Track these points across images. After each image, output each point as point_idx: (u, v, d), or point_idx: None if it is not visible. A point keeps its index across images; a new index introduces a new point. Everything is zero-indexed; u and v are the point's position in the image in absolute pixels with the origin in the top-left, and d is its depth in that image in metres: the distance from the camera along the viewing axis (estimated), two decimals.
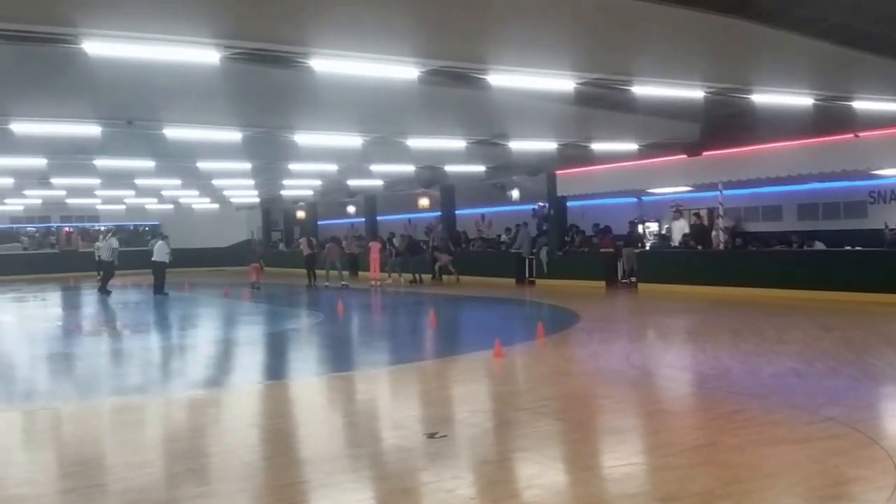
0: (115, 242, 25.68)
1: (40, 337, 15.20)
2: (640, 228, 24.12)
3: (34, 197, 31.45)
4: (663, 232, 23.20)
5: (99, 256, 26.14)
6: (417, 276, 26.61)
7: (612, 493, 5.10)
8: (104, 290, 23.12)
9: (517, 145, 18.32)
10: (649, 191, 23.34)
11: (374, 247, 26.11)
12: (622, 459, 5.78)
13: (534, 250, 24.38)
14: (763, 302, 16.55)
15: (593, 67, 10.45)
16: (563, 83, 10.65)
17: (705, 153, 18.55)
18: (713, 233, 20.71)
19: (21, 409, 8.32)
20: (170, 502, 5.16)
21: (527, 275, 24.44)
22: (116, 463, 6.15)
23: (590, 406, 7.74)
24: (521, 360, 10.62)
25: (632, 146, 18.45)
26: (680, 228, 21.33)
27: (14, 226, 41.23)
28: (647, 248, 22.65)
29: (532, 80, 10.49)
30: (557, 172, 23.12)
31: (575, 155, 19.58)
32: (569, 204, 24.48)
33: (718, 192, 19.75)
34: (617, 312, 17.52)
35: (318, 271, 26.63)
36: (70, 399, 8.89)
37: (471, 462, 5.89)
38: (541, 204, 26.31)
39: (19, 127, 13.38)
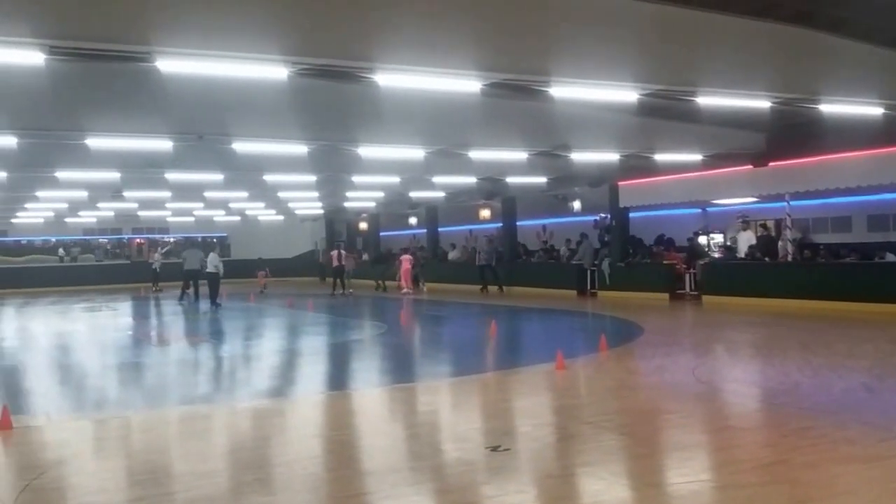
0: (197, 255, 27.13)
1: (111, 346, 15.74)
2: (704, 239, 23.64)
3: (107, 209, 32.56)
4: (728, 243, 22.72)
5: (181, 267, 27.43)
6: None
7: None
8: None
9: (579, 156, 18.22)
10: (714, 201, 22.91)
11: (406, 259, 28.59)
12: (689, 476, 5.68)
13: (596, 262, 24.14)
14: (832, 315, 16.06)
15: (658, 79, 10.35)
16: (626, 94, 10.57)
17: (772, 164, 18.14)
18: (780, 244, 20.19)
19: (93, 418, 8.57)
20: None
21: (588, 286, 24.22)
22: (185, 472, 6.31)
23: (655, 421, 7.61)
24: (584, 373, 10.52)
25: (696, 157, 18.17)
26: (746, 240, 20.86)
27: (87, 237, 42.78)
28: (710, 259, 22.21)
29: (595, 91, 10.44)
30: (620, 183, 22.89)
31: (638, 166, 19.38)
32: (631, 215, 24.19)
33: (785, 203, 19.28)
34: (682, 325, 17.20)
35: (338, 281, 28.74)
36: (139, 408, 9.14)
37: (534, 476, 5.86)
38: (602, 215, 26.07)
39: (94, 142, 13.88)
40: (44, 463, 6.61)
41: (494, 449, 6.42)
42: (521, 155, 17.65)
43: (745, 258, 20.44)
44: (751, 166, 18.39)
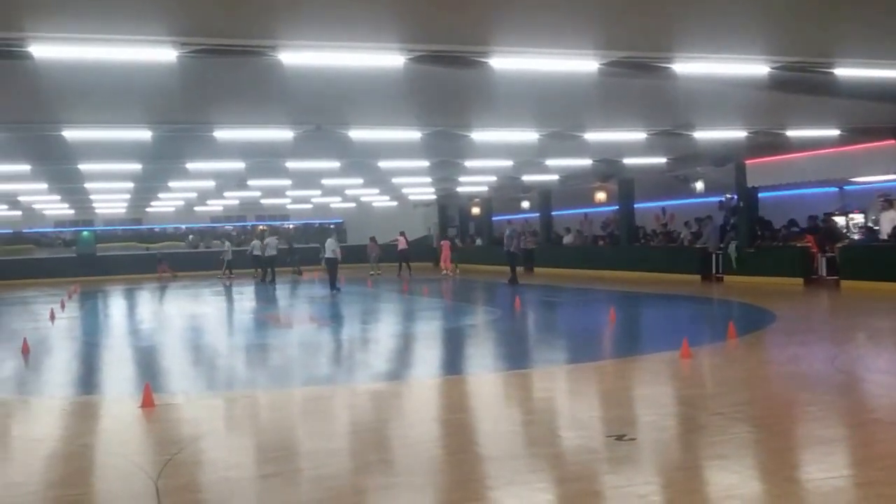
0: (274, 241, 29.65)
1: (237, 328, 16.49)
2: (842, 220, 22.26)
3: (232, 198, 34.01)
4: (870, 224, 21.29)
5: (259, 255, 29.74)
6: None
7: None
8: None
9: (702, 135, 17.51)
10: (852, 179, 21.51)
11: (446, 245, 32.87)
12: (831, 472, 5.34)
13: (721, 245, 23.18)
14: None
15: (791, 50, 9.71)
16: (756, 68, 10.01)
17: None
18: None
19: (225, 396, 8.98)
20: (366, 491, 5.36)
21: (714, 271, 23.29)
22: (312, 450, 6.48)
23: (791, 413, 7.21)
24: (711, 362, 10.10)
25: (832, 132, 17.11)
26: (890, 220, 19.44)
27: (214, 224, 44.82)
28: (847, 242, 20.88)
29: (722, 66, 9.95)
30: (747, 162, 21.84)
31: (767, 143, 18.45)
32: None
33: None
34: (818, 312, 16.28)
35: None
36: (267, 387, 9.50)
37: (662, 468, 5.65)
38: (728, 196, 24.98)
39: (221, 134, 14.46)
40: (183, 438, 6.96)
41: (619, 438, 6.24)
42: (639, 135, 17.14)
43: (889, 240, 19.10)
44: (894, 141, 17.13)
